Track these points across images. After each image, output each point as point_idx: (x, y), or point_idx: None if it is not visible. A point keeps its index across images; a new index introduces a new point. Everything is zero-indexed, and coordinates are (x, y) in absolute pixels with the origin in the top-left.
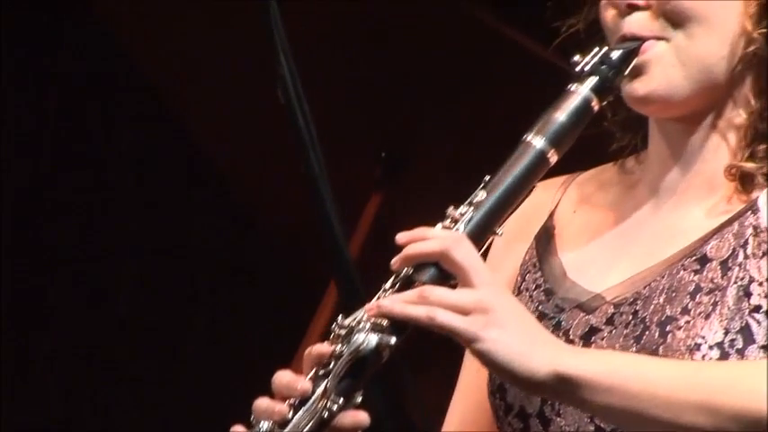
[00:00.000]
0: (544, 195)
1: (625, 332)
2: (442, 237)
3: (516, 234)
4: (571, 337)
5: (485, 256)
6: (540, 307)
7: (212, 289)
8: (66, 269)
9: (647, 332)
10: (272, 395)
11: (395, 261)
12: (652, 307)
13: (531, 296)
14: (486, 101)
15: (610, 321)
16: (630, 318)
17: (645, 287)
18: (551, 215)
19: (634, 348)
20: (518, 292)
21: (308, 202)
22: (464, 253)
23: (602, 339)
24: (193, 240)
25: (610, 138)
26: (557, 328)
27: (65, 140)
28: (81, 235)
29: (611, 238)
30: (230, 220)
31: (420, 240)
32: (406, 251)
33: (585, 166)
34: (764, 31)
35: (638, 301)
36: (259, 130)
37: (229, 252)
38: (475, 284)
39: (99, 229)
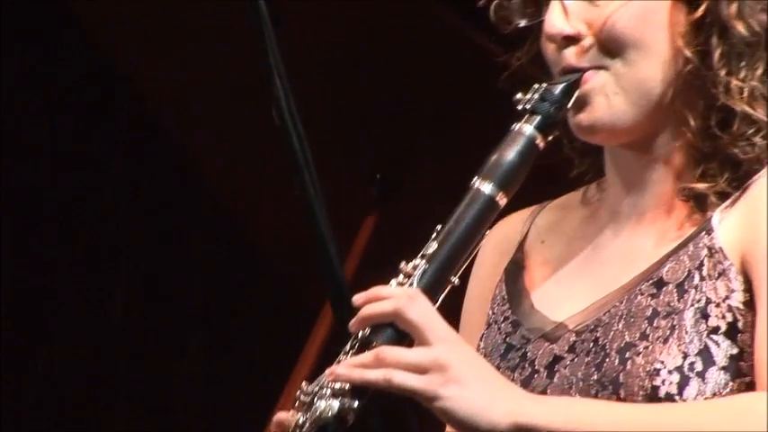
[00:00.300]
0: (514, 227)
1: (586, 360)
2: (396, 296)
3: (490, 271)
4: (536, 367)
5: (444, 306)
6: (507, 339)
7: (206, 310)
8: (60, 293)
9: (607, 359)
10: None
11: (352, 323)
12: (612, 333)
13: (499, 328)
14: (480, 123)
15: (572, 349)
16: (591, 345)
17: (605, 313)
18: (520, 246)
19: (595, 376)
20: (488, 325)
21: (302, 223)
22: (417, 311)
23: (565, 368)
24: (187, 262)
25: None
26: (523, 359)
27: (58, 169)
28: (74, 260)
29: (575, 266)
30: (225, 241)
31: (375, 301)
32: (361, 313)
33: (556, 192)
34: (697, 49)
35: (599, 328)
36: (254, 151)
37: (223, 273)
38: (430, 342)
39: (92, 251)
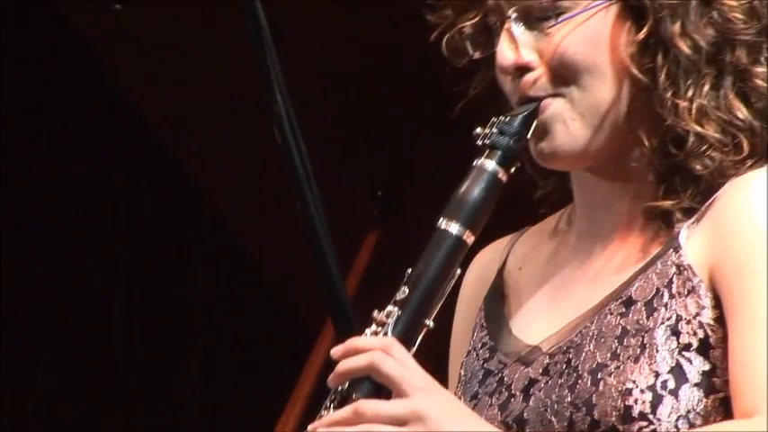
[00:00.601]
0: (494, 256)
1: (560, 381)
2: (371, 349)
3: (471, 302)
4: (513, 391)
5: (423, 349)
6: (485, 364)
7: (207, 327)
8: (62, 312)
9: (579, 380)
10: None
11: (330, 379)
12: (583, 354)
13: (477, 355)
14: None
15: (546, 372)
16: (564, 367)
17: (576, 335)
18: (500, 273)
19: (569, 398)
20: (467, 353)
21: (304, 240)
22: (391, 364)
23: (540, 390)
24: (188, 279)
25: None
26: (500, 384)
27: (60, 192)
28: (72, 282)
29: (550, 290)
30: (225, 258)
31: (351, 354)
32: (338, 369)
33: (526, 216)
34: (646, 69)
35: (571, 350)
36: (255, 168)
37: (225, 290)
38: (407, 393)
39: (90, 272)
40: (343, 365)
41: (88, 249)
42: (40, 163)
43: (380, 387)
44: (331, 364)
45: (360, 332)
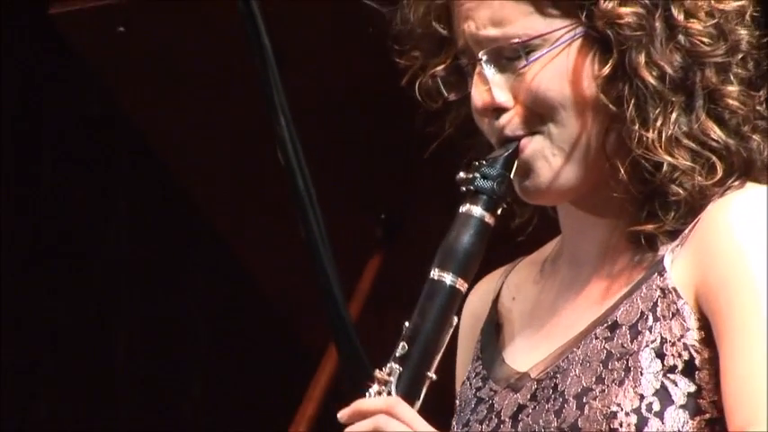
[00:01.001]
0: (488, 288)
1: (547, 407)
2: (375, 411)
3: (469, 335)
4: (502, 417)
5: (430, 398)
6: (477, 393)
7: (210, 351)
8: (63, 335)
9: (566, 405)
10: None
11: None
12: (569, 379)
13: (470, 384)
14: None
15: (533, 398)
16: (551, 392)
17: (563, 360)
18: (494, 305)
19: (555, 422)
20: (462, 383)
21: (307, 263)
22: (396, 426)
23: (528, 416)
24: (191, 303)
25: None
26: (490, 411)
27: (60, 207)
28: (77, 303)
29: (541, 318)
30: (229, 282)
31: (357, 417)
32: None
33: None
34: (615, 99)
35: (558, 375)
36: (258, 191)
37: (228, 314)
38: None
39: (94, 295)
40: (349, 430)
41: (89, 270)
42: (40, 185)
43: None
44: (334, 387)
45: (361, 355)
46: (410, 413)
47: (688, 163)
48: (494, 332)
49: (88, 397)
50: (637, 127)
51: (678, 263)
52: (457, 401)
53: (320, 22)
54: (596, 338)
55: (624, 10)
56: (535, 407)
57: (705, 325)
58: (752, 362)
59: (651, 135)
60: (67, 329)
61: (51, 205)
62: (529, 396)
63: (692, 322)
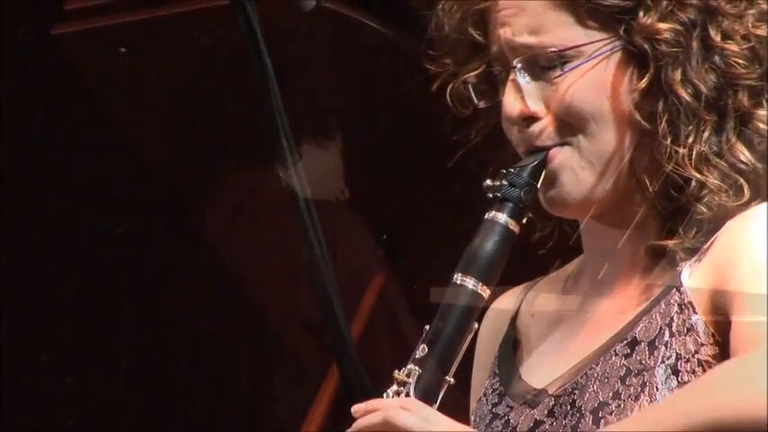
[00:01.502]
0: (507, 305)
1: (564, 422)
2: (385, 407)
3: (488, 351)
4: None
5: (445, 405)
6: (493, 409)
7: (211, 373)
8: (59, 352)
9: (582, 420)
10: None
11: None
12: (587, 395)
13: (486, 400)
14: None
15: (551, 414)
16: (569, 408)
17: (581, 376)
18: (512, 322)
19: None
20: (478, 399)
21: (309, 284)
22: (409, 418)
23: None
24: (191, 323)
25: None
26: (506, 426)
27: (59, 222)
28: (80, 328)
29: (559, 334)
30: (230, 303)
31: (370, 413)
32: (353, 427)
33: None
34: (648, 115)
35: (576, 391)
36: (260, 213)
37: (230, 335)
38: None
39: (97, 318)
40: (357, 424)
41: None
42: (44, 207)
43: None
44: (335, 407)
45: (363, 375)
46: (425, 409)
47: (717, 182)
48: (511, 348)
49: (93, 419)
50: (668, 142)
51: (695, 277)
52: (471, 418)
53: (322, 39)
54: (616, 355)
55: (663, 26)
56: (552, 423)
57: (718, 340)
58: (757, 326)
59: (682, 151)
60: (62, 348)
61: (53, 234)
62: (546, 412)
63: (705, 338)
